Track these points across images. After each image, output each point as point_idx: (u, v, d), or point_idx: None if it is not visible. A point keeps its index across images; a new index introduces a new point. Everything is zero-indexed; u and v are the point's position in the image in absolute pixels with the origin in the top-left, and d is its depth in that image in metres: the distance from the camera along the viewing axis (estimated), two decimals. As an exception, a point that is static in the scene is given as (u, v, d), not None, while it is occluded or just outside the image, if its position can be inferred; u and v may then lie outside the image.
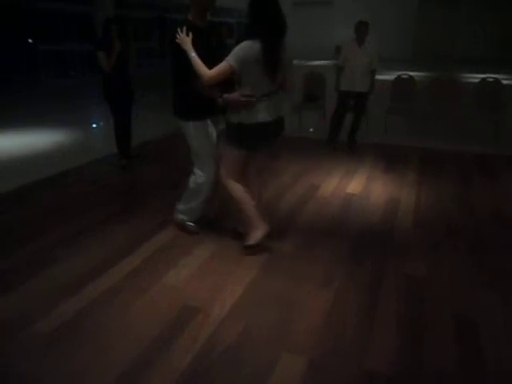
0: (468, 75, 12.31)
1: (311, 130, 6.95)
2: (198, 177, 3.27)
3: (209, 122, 3.22)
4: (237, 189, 3.08)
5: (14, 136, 6.77)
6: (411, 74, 7.04)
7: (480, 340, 2.32)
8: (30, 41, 13.26)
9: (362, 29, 5.52)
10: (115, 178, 4.92)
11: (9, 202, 4.18)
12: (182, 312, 2.52)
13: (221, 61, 2.78)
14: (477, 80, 6.83)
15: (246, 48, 2.74)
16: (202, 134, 3.19)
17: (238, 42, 2.95)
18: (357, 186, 4.58)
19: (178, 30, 2.90)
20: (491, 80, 6.57)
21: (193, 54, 2.84)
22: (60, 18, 13.80)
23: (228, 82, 2.88)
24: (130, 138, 5.32)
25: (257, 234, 3.11)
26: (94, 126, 7.89)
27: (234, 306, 2.58)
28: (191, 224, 3.49)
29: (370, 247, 3.31)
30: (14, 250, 3.22)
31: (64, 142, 6.44)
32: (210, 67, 2.80)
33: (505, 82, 6.82)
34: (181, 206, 3.51)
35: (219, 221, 3.67)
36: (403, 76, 6.90)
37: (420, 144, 6.18)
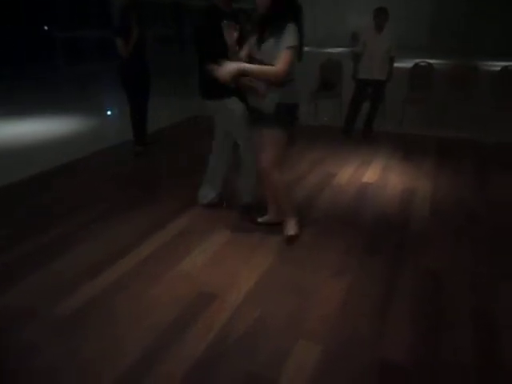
0: (489, 63, 12.04)
1: (325, 119, 6.88)
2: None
3: (233, 102, 3.25)
4: (281, 178, 3.11)
5: (30, 123, 6.83)
6: (429, 61, 6.91)
7: (498, 333, 2.29)
8: (45, 28, 13.32)
9: (381, 16, 5.41)
10: (131, 165, 4.95)
11: (25, 189, 4.23)
12: (197, 298, 2.53)
13: (240, 46, 2.87)
14: (498, 68, 6.69)
15: (296, 32, 2.71)
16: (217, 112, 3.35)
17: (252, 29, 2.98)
18: (373, 175, 4.54)
19: (224, 25, 2.85)
20: (512, 68, 6.43)
21: (248, 66, 2.75)
22: (76, 3, 13.81)
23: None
24: (146, 124, 5.34)
25: (294, 224, 3.21)
26: (109, 113, 7.93)
27: (250, 293, 2.59)
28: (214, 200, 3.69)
29: (385, 236, 3.29)
30: (29, 238, 3.24)
31: (79, 129, 6.49)
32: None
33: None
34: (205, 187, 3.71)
35: (235, 208, 3.68)
36: (421, 63, 6.77)
37: (437, 133, 6.09)
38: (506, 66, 6.51)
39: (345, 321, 2.37)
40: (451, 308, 2.49)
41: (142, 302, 2.51)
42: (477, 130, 6.14)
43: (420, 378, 2.01)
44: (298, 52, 2.77)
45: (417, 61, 6.91)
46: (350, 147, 5.51)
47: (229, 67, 2.69)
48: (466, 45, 19.47)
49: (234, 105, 3.25)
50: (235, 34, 2.85)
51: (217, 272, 2.81)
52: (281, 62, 2.69)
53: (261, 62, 2.77)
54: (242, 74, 2.76)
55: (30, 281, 2.72)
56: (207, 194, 3.69)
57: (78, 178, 4.47)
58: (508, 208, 3.78)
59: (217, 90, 3.12)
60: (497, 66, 7.16)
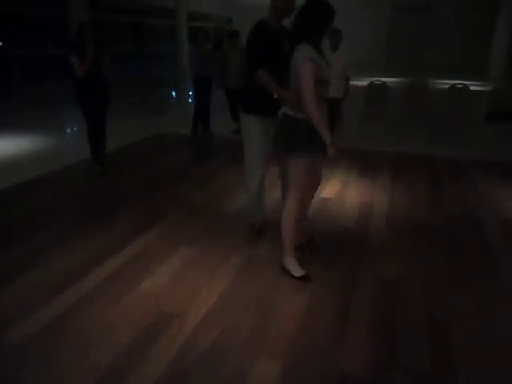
0: (440, 81, 12.61)
1: None
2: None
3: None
4: (297, 210, 2.91)
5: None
6: (384, 79, 7.18)
7: (451, 340, 2.38)
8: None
9: (335, 35, 5.61)
10: (89, 184, 4.87)
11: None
12: (157, 318, 2.51)
13: (288, 64, 2.83)
14: (447, 86, 7.03)
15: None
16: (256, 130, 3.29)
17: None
18: (332, 191, 4.64)
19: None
20: (460, 86, 6.77)
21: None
22: (33, 20, 13.54)
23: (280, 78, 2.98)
24: (105, 143, 5.27)
25: (296, 263, 2.95)
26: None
27: (210, 311, 2.58)
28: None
29: (344, 250, 3.36)
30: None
31: (37, 147, 6.32)
32: (280, 70, 2.86)
33: (472, 87, 7.05)
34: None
35: (193, 228, 3.68)
36: (376, 82, 7.02)
37: (393, 149, 6.30)
38: (454, 84, 6.86)
39: (305, 334, 2.40)
40: (407, 317, 2.56)
41: (103, 323, 2.46)
42: (430, 145, 6.39)
43: (378, 388, 2.06)
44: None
45: (372, 79, 7.17)
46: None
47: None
48: (420, 64, 20.34)
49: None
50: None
51: (177, 292, 2.79)
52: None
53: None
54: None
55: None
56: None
57: (34, 199, 4.34)
58: (461, 218, 3.95)
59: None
60: (448, 83, 7.52)
